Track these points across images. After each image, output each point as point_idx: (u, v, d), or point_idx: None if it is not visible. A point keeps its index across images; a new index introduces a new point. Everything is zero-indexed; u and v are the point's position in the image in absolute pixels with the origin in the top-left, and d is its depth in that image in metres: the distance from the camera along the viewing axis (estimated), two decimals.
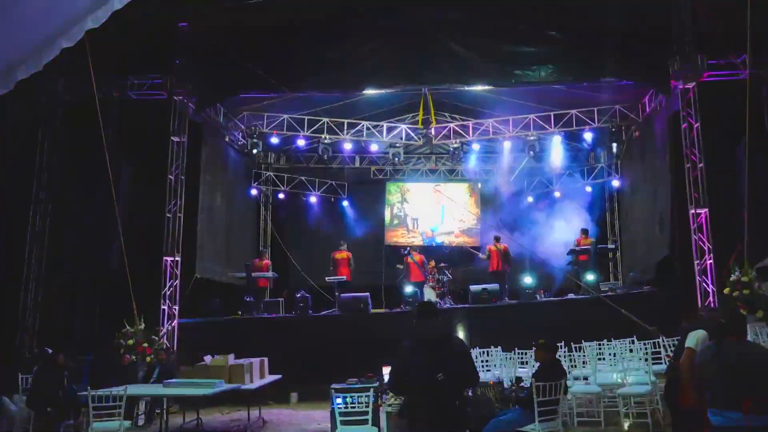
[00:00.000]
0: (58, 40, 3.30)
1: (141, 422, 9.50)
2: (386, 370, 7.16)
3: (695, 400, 4.68)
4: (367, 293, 12.79)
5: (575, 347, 9.68)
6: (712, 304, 11.10)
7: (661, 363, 8.48)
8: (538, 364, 6.49)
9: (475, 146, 16.18)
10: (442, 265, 15.18)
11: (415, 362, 4.08)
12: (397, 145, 16.03)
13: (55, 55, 3.42)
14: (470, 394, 6.77)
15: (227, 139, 15.37)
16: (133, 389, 8.27)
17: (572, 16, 11.94)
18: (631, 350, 9.24)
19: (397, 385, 4.25)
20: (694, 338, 4.99)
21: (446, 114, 16.45)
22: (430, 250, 16.51)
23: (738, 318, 4.42)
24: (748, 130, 10.56)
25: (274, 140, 16.19)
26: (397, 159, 16.10)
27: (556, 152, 15.98)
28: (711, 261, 11.44)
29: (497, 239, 14.22)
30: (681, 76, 11.83)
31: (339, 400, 6.63)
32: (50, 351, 9.26)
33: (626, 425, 7.70)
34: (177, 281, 12.28)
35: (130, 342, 10.79)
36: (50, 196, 12.57)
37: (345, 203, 18.20)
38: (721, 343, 4.22)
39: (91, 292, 12.29)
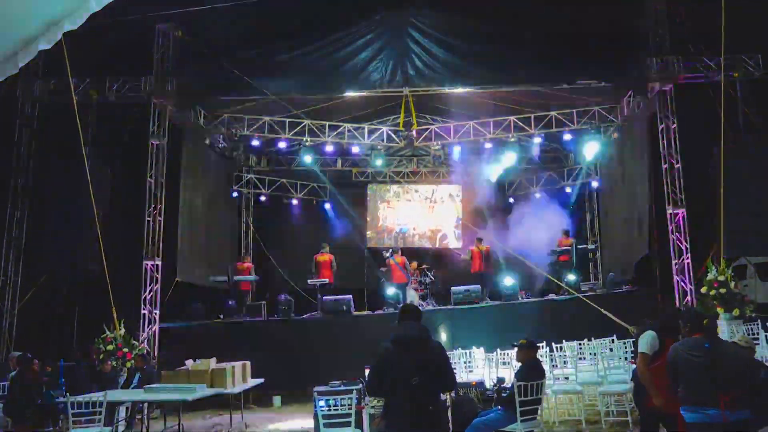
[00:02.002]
0: (35, 42, 3.27)
1: (121, 428, 9.39)
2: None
3: (661, 399, 4.72)
4: (350, 295, 12.78)
5: (556, 347, 9.77)
6: (689, 303, 11.28)
7: None
8: (519, 364, 6.52)
9: (456, 148, 16.22)
10: (425, 266, 15.22)
11: (392, 364, 4.08)
12: (378, 147, 16.01)
13: (32, 57, 3.39)
14: (453, 395, 6.80)
15: (207, 142, 15.23)
16: (113, 395, 8.18)
17: (551, 18, 12.09)
18: (611, 349, 9.35)
19: (374, 386, 4.25)
20: (644, 341, 5.03)
21: (427, 116, 16.48)
22: (412, 252, 16.54)
23: (698, 315, 4.48)
24: (724, 131, 10.75)
25: (255, 143, 16.10)
26: (378, 161, 16.09)
27: (536, 154, 16.11)
28: (688, 260, 11.62)
29: (479, 240, 14.28)
30: (658, 78, 12.03)
31: (322, 403, 6.61)
32: (29, 356, 9.12)
33: (606, 423, 7.78)
34: (157, 285, 12.19)
35: (110, 347, 10.70)
36: (28, 200, 12.42)
37: (327, 206, 18.17)
38: (697, 342, 4.27)
39: (69, 297, 12.15)
